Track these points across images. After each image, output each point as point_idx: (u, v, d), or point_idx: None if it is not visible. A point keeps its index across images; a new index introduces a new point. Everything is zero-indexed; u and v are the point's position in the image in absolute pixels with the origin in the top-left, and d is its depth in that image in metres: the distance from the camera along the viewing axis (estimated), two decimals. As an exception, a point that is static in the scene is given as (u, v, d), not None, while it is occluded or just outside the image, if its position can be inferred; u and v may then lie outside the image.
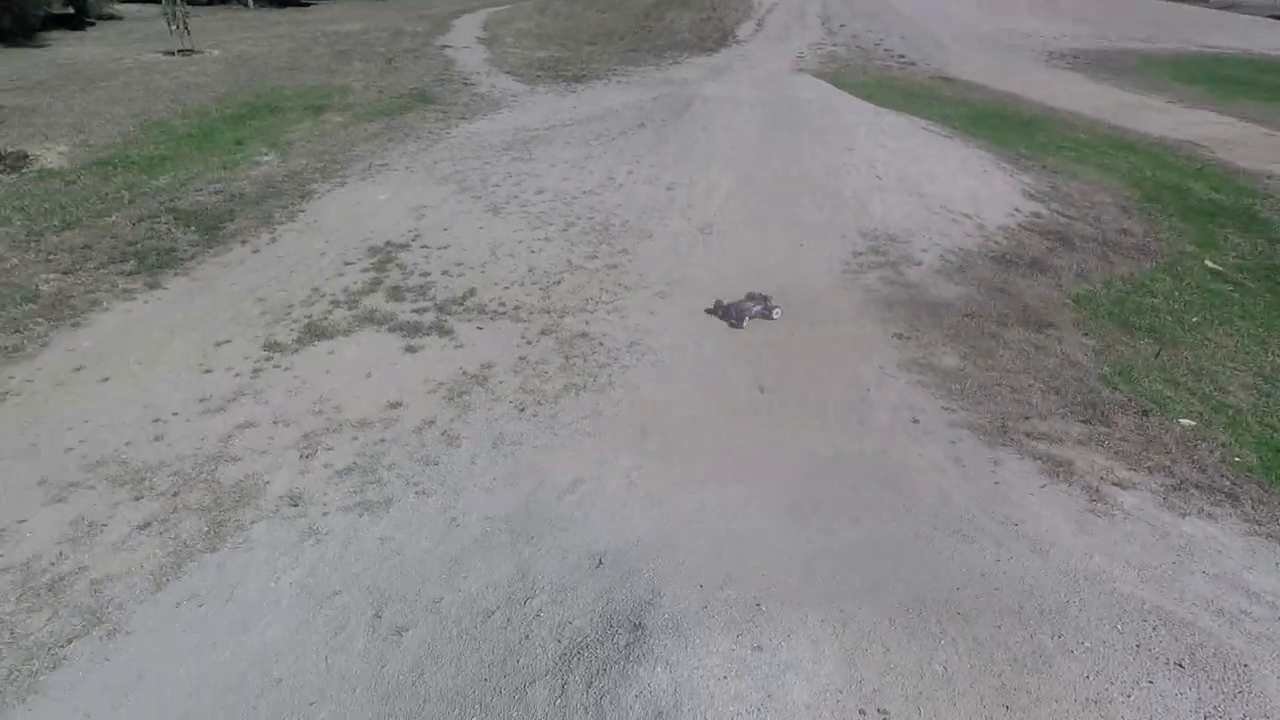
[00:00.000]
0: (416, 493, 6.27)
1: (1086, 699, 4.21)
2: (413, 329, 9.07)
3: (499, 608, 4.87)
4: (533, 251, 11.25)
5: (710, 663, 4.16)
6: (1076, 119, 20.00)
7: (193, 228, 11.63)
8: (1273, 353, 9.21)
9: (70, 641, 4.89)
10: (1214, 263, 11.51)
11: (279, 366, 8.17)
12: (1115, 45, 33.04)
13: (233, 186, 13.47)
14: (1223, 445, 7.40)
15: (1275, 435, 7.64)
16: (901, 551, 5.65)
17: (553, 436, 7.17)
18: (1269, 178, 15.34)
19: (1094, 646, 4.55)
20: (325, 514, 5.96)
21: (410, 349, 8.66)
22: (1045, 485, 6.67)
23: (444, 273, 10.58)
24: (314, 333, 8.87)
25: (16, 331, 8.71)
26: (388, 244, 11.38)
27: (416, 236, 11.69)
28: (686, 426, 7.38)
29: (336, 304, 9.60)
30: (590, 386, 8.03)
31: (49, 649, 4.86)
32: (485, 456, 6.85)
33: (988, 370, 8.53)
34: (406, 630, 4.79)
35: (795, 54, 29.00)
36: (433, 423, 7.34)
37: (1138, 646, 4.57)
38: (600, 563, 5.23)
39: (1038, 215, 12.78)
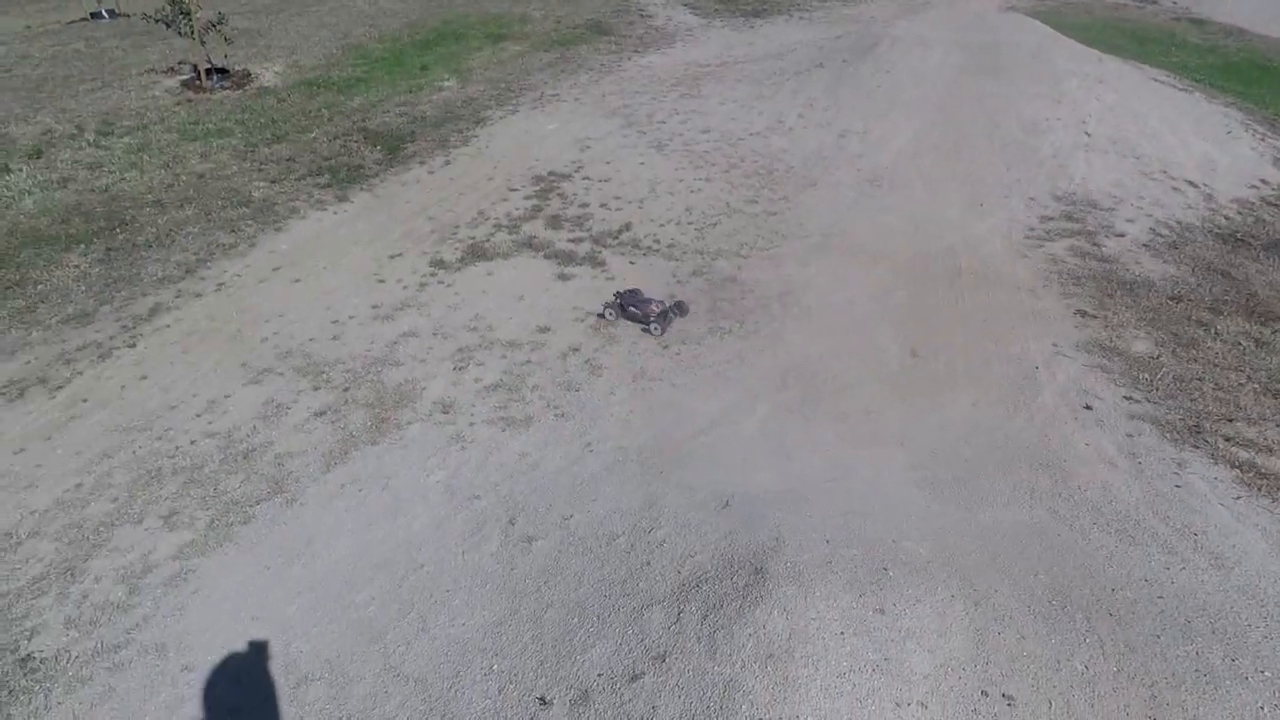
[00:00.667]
0: (555, 415, 6.56)
1: (1255, 731, 3.74)
2: (567, 258, 9.34)
3: (624, 533, 5.05)
4: (692, 191, 11.15)
5: (829, 616, 4.09)
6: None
7: (378, 147, 12.54)
8: None
9: (258, 503, 5.66)
10: None
11: (442, 283, 8.75)
12: None
13: (416, 110, 14.32)
14: None
15: None
16: (1050, 541, 5.20)
17: (693, 377, 7.20)
18: None
19: (1271, 671, 4.00)
20: (472, 424, 6.40)
21: (563, 277, 8.94)
22: (1240, 497, 5.85)
23: (602, 205, 10.74)
24: (476, 253, 9.37)
25: (232, 231, 9.90)
26: (551, 173, 11.69)
27: (579, 168, 11.91)
28: (828, 383, 7.14)
29: (499, 228, 10.06)
30: (735, 331, 7.95)
31: (242, 506, 5.65)
32: (625, 388, 7.01)
33: (1189, 362, 7.51)
34: (536, 540, 5.10)
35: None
36: (577, 350, 7.58)
37: (1331, 688, 3.97)
38: (727, 504, 5.24)
39: (1285, 188, 10.88)
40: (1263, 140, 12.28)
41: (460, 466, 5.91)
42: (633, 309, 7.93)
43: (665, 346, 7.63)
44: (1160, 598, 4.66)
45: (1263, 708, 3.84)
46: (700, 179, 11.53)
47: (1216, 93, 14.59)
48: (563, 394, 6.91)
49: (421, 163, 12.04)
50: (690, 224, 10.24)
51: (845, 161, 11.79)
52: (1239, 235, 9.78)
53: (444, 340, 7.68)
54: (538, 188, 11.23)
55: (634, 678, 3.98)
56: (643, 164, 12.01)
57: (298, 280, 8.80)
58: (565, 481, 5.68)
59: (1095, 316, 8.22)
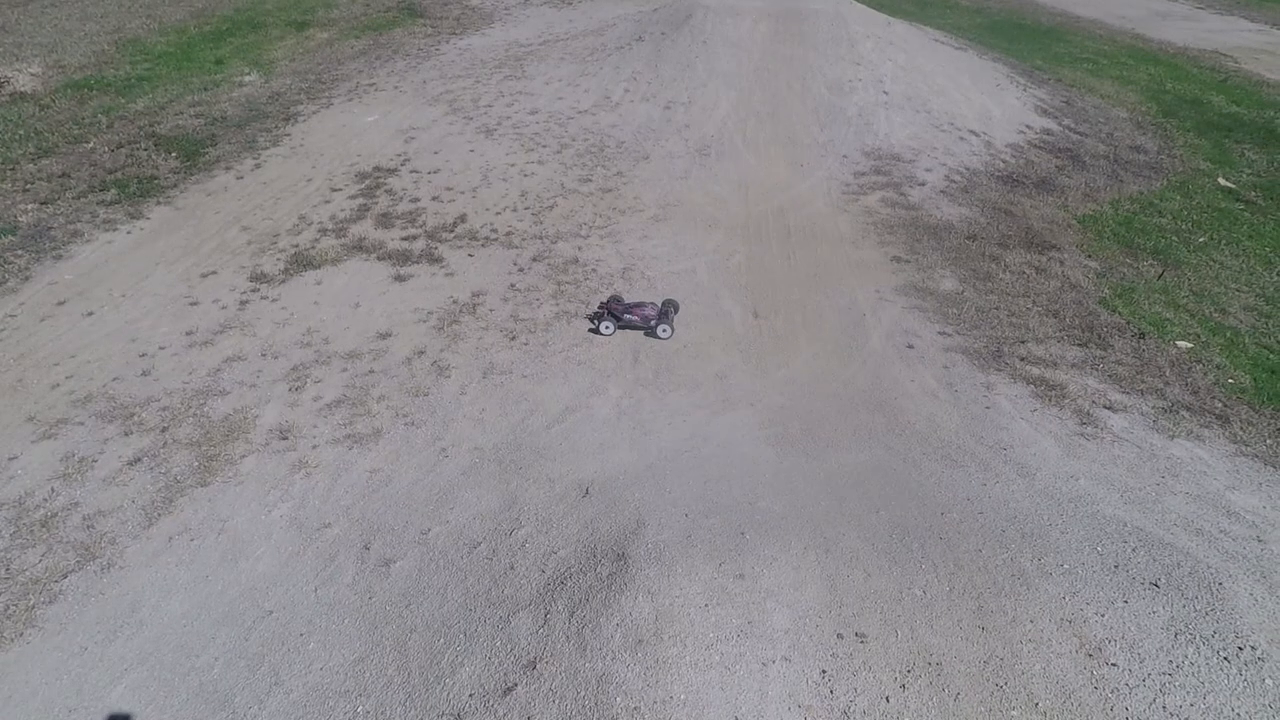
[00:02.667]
0: (406, 424, 6.28)
1: (1061, 619, 4.29)
2: (402, 257, 8.91)
3: (485, 539, 4.93)
4: (525, 175, 10.95)
5: (692, 591, 4.23)
6: (1098, 27, 19.03)
7: (174, 154, 11.30)
8: (1277, 273, 9.01)
9: (65, 576, 4.95)
10: (1227, 180, 11.14)
11: (266, 298, 8.08)
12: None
13: (214, 109, 13.02)
14: (1217, 367, 7.33)
15: (1271, 357, 7.56)
16: (889, 477, 5.67)
17: (543, 365, 7.13)
18: (1294, 89, 14.72)
19: (1072, 568, 4.61)
20: (315, 447, 5.99)
21: (400, 278, 8.53)
22: (1036, 410, 6.64)
23: (434, 198, 10.33)
24: (301, 262, 8.73)
25: None
26: (376, 169, 11.07)
27: (406, 160, 11.37)
28: (679, 353, 7.32)
29: (324, 232, 9.41)
30: (582, 313, 7.93)
31: (44, 584, 4.91)
32: (475, 386, 6.83)
33: (986, 294, 8.38)
34: (394, 561, 4.86)
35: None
36: (423, 353, 7.29)
37: (1115, 567, 4.63)
38: (587, 493, 5.26)
39: (1049, 132, 12.31)
40: (1025, 90, 13.82)
41: (306, 495, 5.50)
42: (629, 317, 7.54)
43: (513, 338, 7.50)
44: (980, 513, 5.21)
45: (1064, 597, 4.41)
46: (533, 162, 11.35)
47: (985, 49, 16.22)
48: (411, 401, 6.62)
49: (227, 168, 10.99)
50: (527, 209, 10.08)
51: (673, 133, 12.02)
52: (1015, 176, 11.00)
53: (274, 360, 7.11)
54: (363, 185, 10.60)
55: (506, 691, 3.91)
56: (472, 151, 11.65)
57: (90, 313, 7.79)
58: (421, 493, 5.46)
59: (909, 261, 8.97)
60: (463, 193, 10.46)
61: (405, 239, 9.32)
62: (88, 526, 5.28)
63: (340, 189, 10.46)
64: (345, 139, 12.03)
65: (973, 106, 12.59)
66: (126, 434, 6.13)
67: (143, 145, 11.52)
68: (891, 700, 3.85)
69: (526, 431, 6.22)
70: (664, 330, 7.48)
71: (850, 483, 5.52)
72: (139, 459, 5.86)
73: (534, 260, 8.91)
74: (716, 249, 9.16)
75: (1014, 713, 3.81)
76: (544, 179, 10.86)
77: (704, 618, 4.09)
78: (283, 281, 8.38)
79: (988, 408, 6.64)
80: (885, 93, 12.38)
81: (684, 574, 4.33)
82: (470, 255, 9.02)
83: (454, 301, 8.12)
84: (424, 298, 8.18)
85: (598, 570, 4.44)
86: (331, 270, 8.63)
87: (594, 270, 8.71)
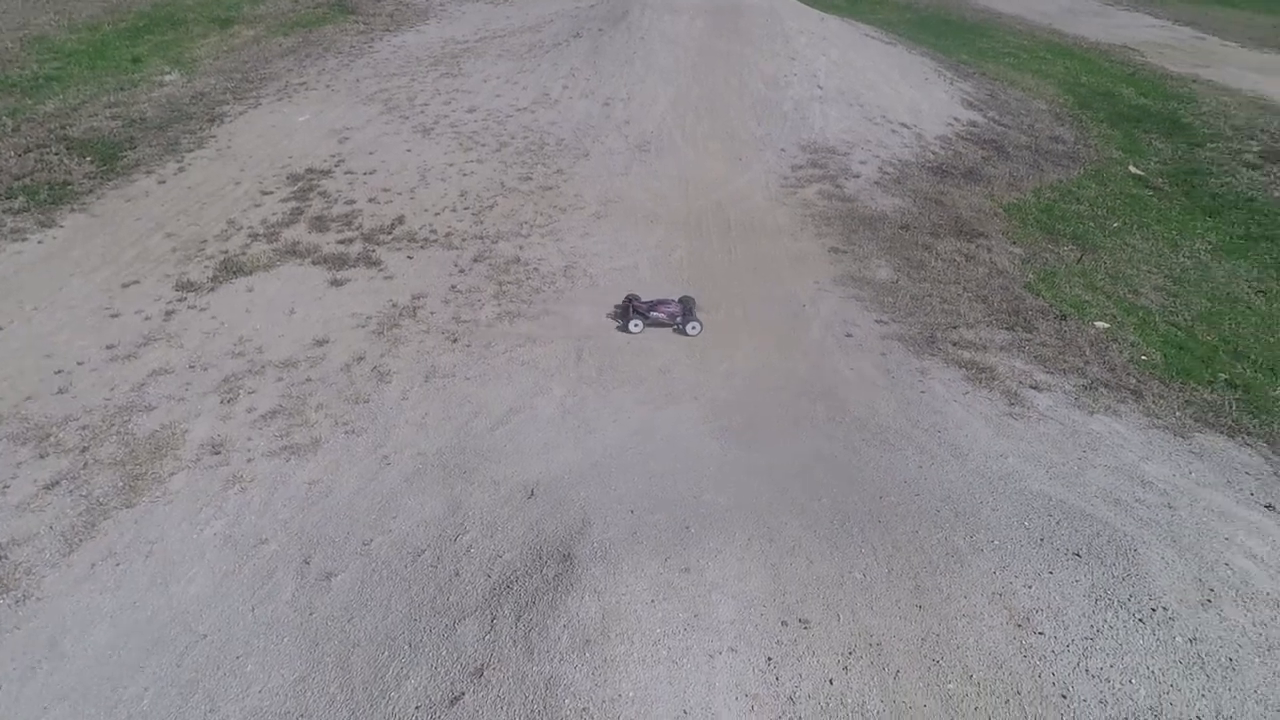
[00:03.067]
0: (346, 432, 6.15)
1: (992, 593, 4.47)
2: (339, 261, 8.70)
3: (429, 546, 4.87)
4: (464, 175, 10.81)
5: (638, 588, 4.26)
6: (1019, 23, 19.81)
7: (88, 158, 10.77)
8: (1183, 255, 9.55)
9: (-24, 610, 4.64)
10: (1137, 168, 11.74)
11: (193, 307, 7.79)
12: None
13: (132, 110, 12.45)
14: (1131, 345, 7.74)
15: (1178, 334, 8.02)
16: (830, 465, 5.81)
17: (486, 367, 7.06)
18: (1195, 82, 15.56)
19: (1002, 543, 4.81)
20: (250, 460, 5.81)
21: (336, 283, 8.33)
22: (968, 392, 6.89)
23: (371, 200, 10.11)
24: (231, 269, 8.43)
25: (-101, 280, 8.07)
26: (309, 170, 10.77)
27: (340, 161, 11.09)
28: (622, 350, 7.34)
29: (255, 237, 9.12)
30: (524, 314, 7.89)
31: (-47, 620, 4.58)
32: (417, 391, 6.73)
33: (920, 282, 8.64)
34: (335, 575, 4.75)
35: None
36: (362, 359, 7.14)
37: (1041, 540, 4.85)
38: (532, 494, 5.25)
39: (975, 124, 12.74)
40: (952, 84, 14.28)
41: (241, 511, 5.33)
42: (655, 315, 7.57)
43: (455, 340, 7.41)
44: (917, 495, 5.39)
45: (994, 571, 4.60)
46: (472, 161, 11.21)
47: (914, 44, 16.69)
48: (351, 408, 6.48)
49: (148, 172, 10.54)
50: (466, 209, 9.96)
51: (613, 129, 12.03)
52: (944, 167, 11.36)
53: (204, 372, 6.86)
54: (295, 188, 10.30)
55: (453, 700, 3.88)
56: (409, 151, 11.43)
57: None
58: (363, 503, 5.36)
59: (845, 252, 9.18)
60: (400, 193, 10.27)
61: (341, 242, 9.10)
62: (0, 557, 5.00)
63: (271, 192, 10.15)
64: (275, 140, 11.66)
65: (903, 100, 12.95)
66: (42, 456, 5.82)
67: (53, 149, 10.95)
68: (835, 682, 3.96)
69: (470, 434, 6.16)
70: (693, 327, 7.55)
71: (793, 472, 5.64)
72: (56, 482, 5.58)
73: (475, 261, 8.81)
74: (658, 245, 9.21)
75: (950, 685, 3.97)
76: (483, 178, 10.74)
77: (650, 613, 4.13)
78: (211, 290, 8.09)
79: (923, 392, 6.86)
80: (820, 87, 12.63)
81: (630, 571, 4.36)
82: (409, 257, 8.87)
83: (393, 305, 7.98)
84: (362, 302, 8.01)
85: (544, 572, 4.44)
86: (264, 276, 8.38)
87: (536, 269, 8.66)
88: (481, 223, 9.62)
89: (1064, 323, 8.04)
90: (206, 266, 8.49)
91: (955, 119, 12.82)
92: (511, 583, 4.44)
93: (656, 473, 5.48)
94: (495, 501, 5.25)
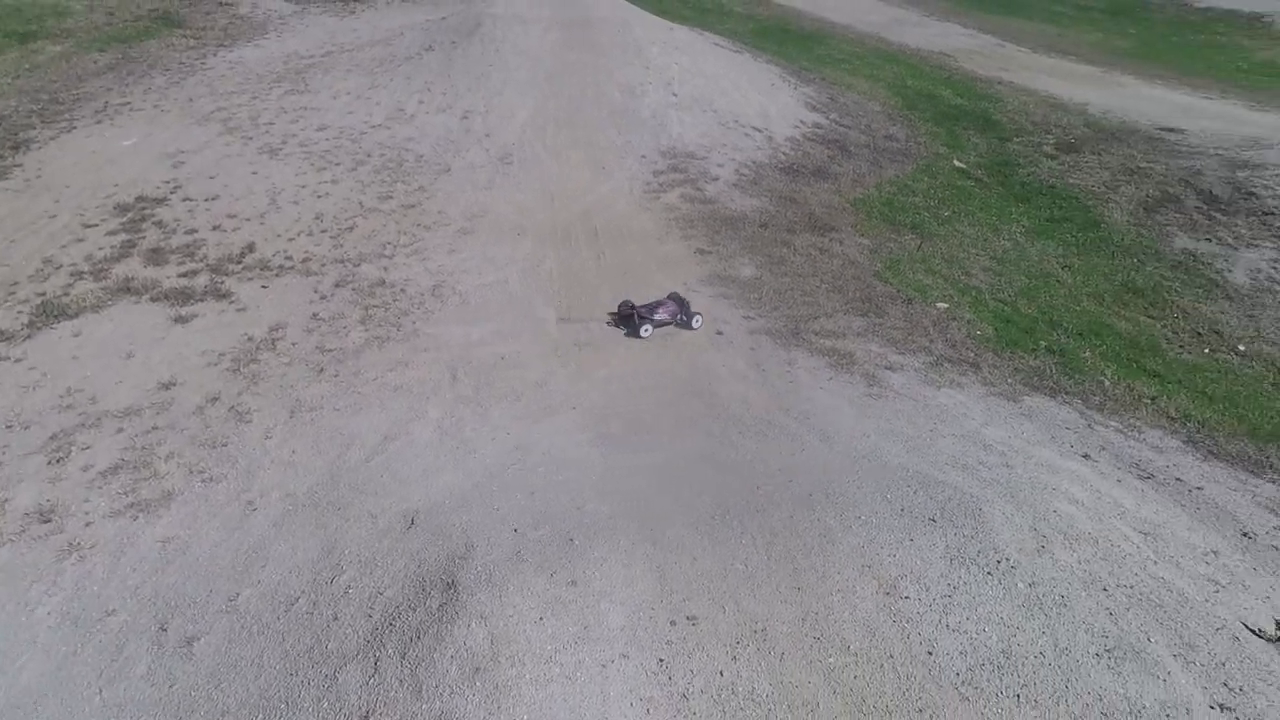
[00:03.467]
0: (203, 481, 5.71)
1: (862, 566, 4.80)
2: (182, 296, 8.07)
3: (304, 593, 4.61)
4: (319, 196, 10.31)
5: (526, 607, 4.24)
6: (850, 32, 21.32)
7: None
8: (1003, 237, 10.64)
9: None
10: (960, 161, 12.95)
11: (7, 358, 6.97)
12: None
13: (-84, 142, 10.99)
14: (968, 322, 8.53)
15: (1005, 309, 8.94)
16: (709, 461, 6.01)
17: (357, 395, 6.78)
18: (999, 83, 17.38)
19: (867, 518, 5.17)
20: (89, 524, 5.26)
21: (181, 319, 7.72)
22: (832, 378, 7.34)
23: (215, 227, 9.44)
24: (51, 312, 7.62)
25: None
26: (140, 199, 9.92)
27: (177, 188, 10.28)
28: (498, 366, 7.27)
29: (79, 275, 8.29)
30: (394, 337, 7.64)
31: None
32: (282, 428, 6.36)
33: (781, 277, 9.11)
34: (198, 639, 4.38)
35: (588, -35, 28.03)
36: (217, 399, 6.66)
37: (902, 510, 5.25)
38: (412, 523, 5.10)
39: (819, 126, 13.57)
40: (795, 89, 15.16)
41: (81, 582, 4.81)
42: (659, 317, 7.83)
43: (321, 370, 7.06)
44: (790, 481, 5.68)
45: (863, 546, 4.94)
46: (326, 181, 10.72)
47: (759, 52, 17.59)
48: (207, 454, 6.02)
49: (-63, 211, 9.34)
50: (324, 232, 9.51)
51: (473, 143, 11.86)
52: (795, 167, 12.05)
53: (25, 431, 6.15)
54: (124, 219, 9.44)
55: (339, 752, 3.71)
56: (255, 173, 10.77)
57: None
58: (226, 556, 4.99)
59: (711, 252, 9.53)
60: (248, 219, 9.66)
61: (184, 275, 8.45)
62: None
63: (95, 225, 9.26)
64: (97, 167, 10.66)
65: (752, 105, 13.59)
66: None
67: None
68: (725, 673, 4.12)
69: (344, 468, 5.89)
70: (697, 320, 7.94)
71: (674, 472, 5.79)
72: None
73: (337, 286, 8.43)
74: (526, 257, 9.18)
75: (831, 660, 4.23)
76: (340, 199, 10.29)
77: (539, 632, 4.12)
78: (28, 337, 7.28)
79: (791, 382, 7.25)
80: (674, 95, 13.02)
81: (516, 591, 4.33)
82: (264, 287, 8.36)
83: (249, 339, 7.49)
84: (213, 338, 7.47)
85: (427, 604, 4.32)
86: (93, 318, 7.63)
87: (403, 290, 8.41)
88: (341, 245, 9.22)
89: (910, 306, 8.73)
90: (20, 312, 7.63)
91: (801, 121, 13.60)
92: (394, 619, 4.28)
93: (539, 487, 5.47)
94: (373, 536, 5.05)
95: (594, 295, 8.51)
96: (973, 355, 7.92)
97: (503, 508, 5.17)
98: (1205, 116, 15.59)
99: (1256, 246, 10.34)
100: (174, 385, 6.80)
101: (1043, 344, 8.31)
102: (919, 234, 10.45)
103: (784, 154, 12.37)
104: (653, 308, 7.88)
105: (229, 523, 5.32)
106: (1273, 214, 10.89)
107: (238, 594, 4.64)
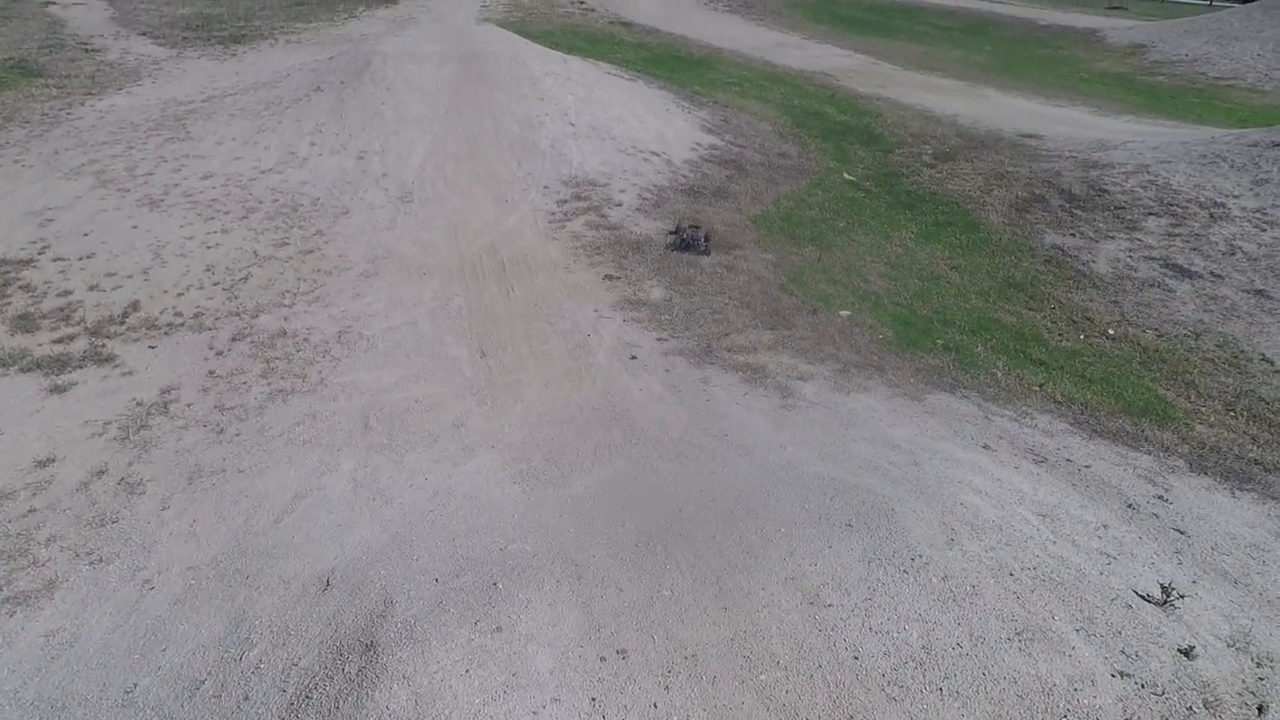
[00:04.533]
0: (91, 563, 5.29)
1: (785, 577, 4.91)
2: (57, 364, 7.51)
3: (210, 674, 4.31)
4: (209, 247, 9.83)
5: (450, 660, 4.11)
6: (737, 56, 22.19)
7: None
8: (895, 244, 11.24)
9: None
10: (849, 175, 13.62)
11: None
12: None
13: None
14: (870, 327, 8.94)
15: (903, 311, 9.42)
16: (631, 487, 6.04)
17: (262, 454, 6.46)
18: (878, 100, 18.44)
19: (788, 529, 5.31)
20: (-45, 626, 4.78)
21: (57, 389, 7.17)
22: (747, 393, 7.52)
23: (92, 288, 8.85)
24: (-98, 396, 6.94)
25: None
26: (1, 262, 9.19)
27: (45, 248, 9.59)
28: (411, 410, 7.09)
29: (-70, 352, 7.59)
30: (299, 389, 7.34)
31: None
32: (180, 496, 5.98)
33: (690, 297, 9.29)
34: (92, 737, 4.03)
35: (479, 3, 28.12)
36: (104, 473, 6.21)
37: (820, 518, 5.42)
38: (328, 584, 4.88)
39: (715, 147, 14.00)
40: (689, 113, 15.61)
41: (-50, 692, 4.37)
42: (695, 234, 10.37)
43: (221, 431, 6.70)
44: (712, 500, 5.77)
45: (784, 558, 5.06)
46: (215, 231, 10.24)
47: (652, 79, 18.04)
48: (95, 533, 5.59)
49: None
50: (216, 284, 9.06)
51: (371, 183, 11.61)
52: (695, 188, 12.36)
53: (-123, 530, 5.56)
54: (-18, 285, 8.73)
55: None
56: (136, 227, 10.18)
57: None
58: (121, 643, 4.63)
59: (619, 277, 9.62)
60: (130, 276, 9.11)
61: (58, 341, 7.87)
62: None
63: (-52, 294, 8.52)
64: (-53, 231, 9.83)
65: (649, 130, 13.88)
66: None
67: None
68: (659, 705, 4.11)
69: (251, 533, 5.59)
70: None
71: (596, 502, 5.78)
72: None
73: (234, 340, 8.04)
74: (434, 296, 9.02)
75: (763, 677, 4.29)
76: (232, 249, 9.85)
77: (466, 685, 4.00)
78: (-125, 427, 6.60)
79: (708, 400, 7.38)
80: (572, 124, 13.16)
81: (439, 645, 4.20)
82: (152, 347, 7.89)
83: (138, 403, 7.04)
84: (96, 406, 6.98)
85: (345, 669, 4.13)
86: (-51, 397, 6.99)
87: (306, 340, 8.10)
88: (236, 298, 8.81)
89: (815, 316, 9.07)
90: None
91: (698, 144, 13.99)
92: (310, 691, 4.07)
93: (460, 532, 5.35)
94: (285, 602, 4.80)
95: (507, 328, 8.45)
96: (877, 358, 8.29)
97: (423, 558, 5.02)
98: (1058, 123, 17.01)
99: (1113, 238, 11.29)
100: (53, 461, 6.31)
101: (939, 342, 8.78)
102: (818, 245, 10.89)
103: (684, 176, 12.68)
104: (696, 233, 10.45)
105: (123, 606, 4.94)
106: (1123, 208, 11.94)
107: (135, 684, 4.30)
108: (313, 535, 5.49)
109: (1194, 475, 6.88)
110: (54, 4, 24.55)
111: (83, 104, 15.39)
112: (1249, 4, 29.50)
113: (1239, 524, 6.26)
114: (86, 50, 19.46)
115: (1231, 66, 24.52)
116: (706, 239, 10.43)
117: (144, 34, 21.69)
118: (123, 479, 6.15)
